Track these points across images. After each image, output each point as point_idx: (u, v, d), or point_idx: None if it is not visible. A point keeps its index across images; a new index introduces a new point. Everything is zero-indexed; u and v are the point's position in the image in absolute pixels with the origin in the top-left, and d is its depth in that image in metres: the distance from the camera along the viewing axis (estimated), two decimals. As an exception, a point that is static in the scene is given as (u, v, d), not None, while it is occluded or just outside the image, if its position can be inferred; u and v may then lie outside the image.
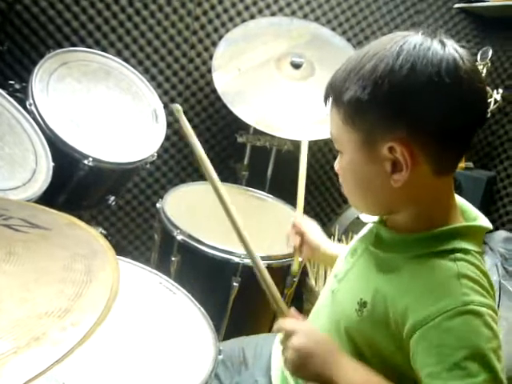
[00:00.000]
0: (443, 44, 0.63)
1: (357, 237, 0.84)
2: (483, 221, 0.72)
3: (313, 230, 1.03)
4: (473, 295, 0.62)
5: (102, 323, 0.41)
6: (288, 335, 0.72)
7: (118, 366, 0.77)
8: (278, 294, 0.78)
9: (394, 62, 0.61)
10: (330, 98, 0.69)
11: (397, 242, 0.72)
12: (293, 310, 0.78)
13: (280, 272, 1.36)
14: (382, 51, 0.63)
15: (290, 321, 0.75)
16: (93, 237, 0.52)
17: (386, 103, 0.63)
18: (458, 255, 0.66)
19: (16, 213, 0.54)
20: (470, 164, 2.19)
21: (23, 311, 0.41)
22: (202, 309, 0.99)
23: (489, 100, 1.85)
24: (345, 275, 0.79)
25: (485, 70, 1.90)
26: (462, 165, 2.08)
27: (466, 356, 0.59)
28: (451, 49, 0.63)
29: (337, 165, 0.74)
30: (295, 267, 1.07)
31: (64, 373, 0.71)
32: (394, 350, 0.68)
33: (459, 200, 0.74)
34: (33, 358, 0.37)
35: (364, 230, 0.83)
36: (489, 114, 2.01)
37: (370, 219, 0.80)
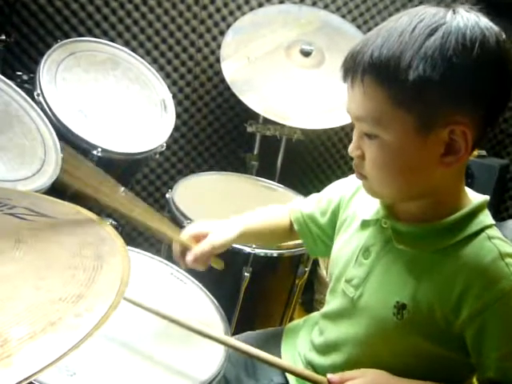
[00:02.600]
0: (485, 21, 0.61)
1: (353, 235, 0.80)
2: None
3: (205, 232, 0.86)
4: None
5: (116, 308, 0.40)
6: None
7: (128, 356, 0.77)
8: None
9: (463, 40, 0.57)
10: (366, 79, 0.61)
11: (422, 235, 0.69)
12: (329, 377, 0.71)
13: (291, 261, 1.35)
14: (439, 26, 0.58)
15: None
16: (98, 224, 0.51)
17: (457, 84, 0.58)
18: (489, 233, 0.67)
19: (19, 202, 0.54)
20: (483, 152, 2.15)
21: (37, 297, 0.41)
22: (213, 299, 0.98)
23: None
24: (365, 279, 0.74)
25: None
26: (474, 152, 2.04)
27: None
28: (493, 25, 0.61)
29: (356, 149, 0.68)
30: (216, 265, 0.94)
31: (75, 362, 0.71)
32: (439, 347, 0.68)
33: None
34: (49, 343, 0.37)
35: (355, 225, 0.80)
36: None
37: (371, 215, 0.76)
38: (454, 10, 0.61)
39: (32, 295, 0.41)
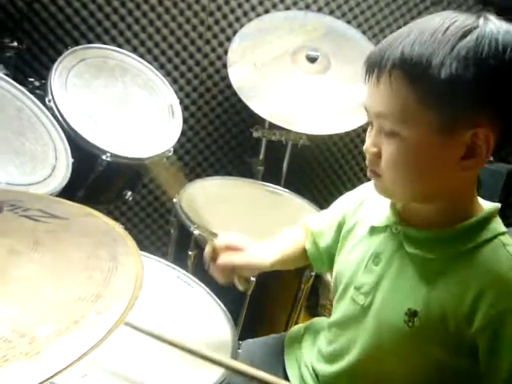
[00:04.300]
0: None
1: (361, 242, 0.79)
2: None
3: (244, 247, 0.87)
4: None
5: (134, 306, 0.42)
6: None
7: (136, 359, 0.78)
8: None
9: (496, 44, 0.58)
10: (394, 74, 0.61)
11: (435, 240, 0.68)
12: None
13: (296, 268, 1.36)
14: (473, 29, 0.59)
15: None
16: (109, 225, 0.53)
17: (487, 86, 0.58)
18: (504, 240, 0.66)
19: (31, 204, 0.56)
20: (490, 157, 2.15)
21: (59, 297, 0.43)
22: (220, 303, 0.98)
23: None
24: (376, 286, 0.73)
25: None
26: (480, 158, 2.05)
27: None
28: None
29: (373, 147, 0.67)
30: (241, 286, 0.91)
31: (85, 364, 0.73)
32: (450, 355, 0.67)
33: None
34: (75, 340, 0.39)
35: (363, 231, 0.79)
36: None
37: (380, 222, 0.75)
38: (485, 17, 0.61)
39: (53, 295, 0.43)
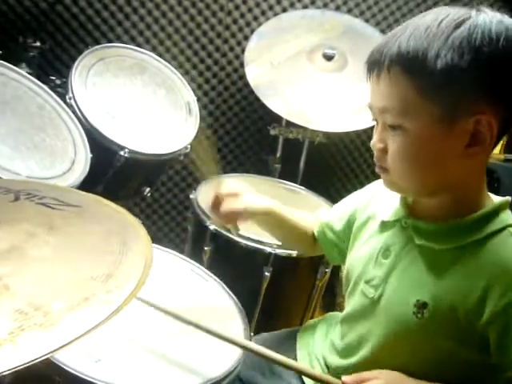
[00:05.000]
0: (509, 20, 0.62)
1: (372, 237, 0.80)
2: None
3: (242, 194, 0.91)
4: None
5: (143, 287, 0.44)
6: None
7: (149, 349, 0.80)
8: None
9: (490, 32, 0.59)
10: (393, 69, 0.63)
11: (444, 231, 0.69)
12: (343, 379, 0.72)
13: (311, 262, 1.36)
14: (466, 20, 0.61)
15: None
16: (120, 213, 0.55)
17: (483, 73, 0.60)
18: None
19: (47, 193, 0.58)
20: (510, 156, 2.11)
21: (72, 276, 0.46)
22: (233, 296, 0.99)
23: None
24: (386, 279, 0.74)
25: None
26: (501, 156, 2.01)
27: None
28: None
29: (379, 142, 0.69)
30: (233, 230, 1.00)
31: (100, 350, 0.75)
32: (461, 347, 0.68)
33: None
34: (85, 315, 0.42)
35: (374, 226, 0.80)
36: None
37: (389, 216, 0.76)
38: (478, 9, 0.63)
39: (67, 275, 0.46)
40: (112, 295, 0.43)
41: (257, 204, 0.91)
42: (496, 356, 0.66)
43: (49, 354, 0.38)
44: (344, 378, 0.72)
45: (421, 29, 0.62)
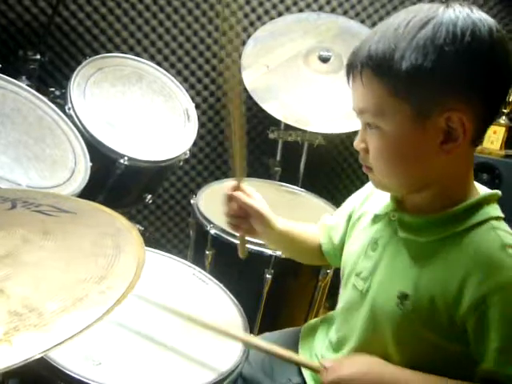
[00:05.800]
0: (478, 13, 0.63)
1: (364, 230, 0.81)
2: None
3: (260, 200, 0.90)
4: None
5: (134, 287, 0.46)
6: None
7: (150, 351, 0.81)
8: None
9: (454, 29, 0.60)
10: (365, 72, 0.65)
11: (427, 224, 0.70)
12: (322, 362, 0.77)
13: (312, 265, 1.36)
14: (431, 19, 0.61)
15: (329, 372, 0.74)
16: (115, 218, 0.57)
17: (449, 71, 0.61)
18: (495, 224, 0.67)
19: (43, 201, 0.60)
20: (511, 151, 2.11)
21: (65, 279, 0.47)
22: (234, 299, 1.00)
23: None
24: (373, 271, 0.76)
25: None
26: (502, 152, 2.01)
27: None
28: (488, 17, 0.63)
29: (361, 143, 0.70)
30: (241, 251, 0.97)
31: (100, 353, 0.76)
32: (442, 338, 0.68)
33: None
34: (79, 315, 0.43)
35: (367, 220, 0.81)
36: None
37: (380, 210, 0.78)
38: (447, 5, 0.63)
39: (60, 277, 0.47)
40: (104, 296, 0.44)
41: (269, 217, 0.89)
42: (473, 347, 0.66)
43: (43, 353, 0.40)
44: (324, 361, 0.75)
45: (390, 30, 0.63)
